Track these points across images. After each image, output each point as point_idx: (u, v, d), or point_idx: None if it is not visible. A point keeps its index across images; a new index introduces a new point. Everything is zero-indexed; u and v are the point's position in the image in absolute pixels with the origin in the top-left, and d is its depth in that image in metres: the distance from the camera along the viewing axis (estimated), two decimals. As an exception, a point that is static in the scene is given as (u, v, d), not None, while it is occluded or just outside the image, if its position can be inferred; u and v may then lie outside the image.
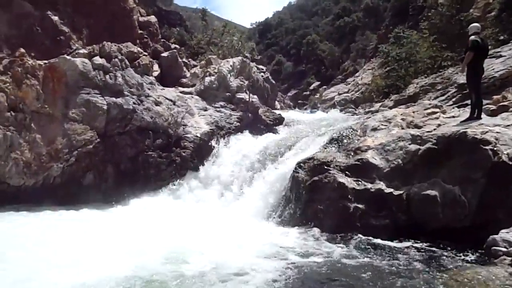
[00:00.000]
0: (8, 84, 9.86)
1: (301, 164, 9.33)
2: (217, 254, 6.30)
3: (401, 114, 9.84)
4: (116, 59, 11.59)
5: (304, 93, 35.34)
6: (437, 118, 9.38)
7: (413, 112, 9.93)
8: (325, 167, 8.87)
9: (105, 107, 10.75)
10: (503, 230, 6.22)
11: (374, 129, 9.60)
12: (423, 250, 6.85)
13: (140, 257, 6.04)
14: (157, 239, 7.05)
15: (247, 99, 14.07)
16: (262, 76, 18.10)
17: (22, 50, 10.44)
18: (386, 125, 9.56)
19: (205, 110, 13.21)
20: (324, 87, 29.17)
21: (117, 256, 6.10)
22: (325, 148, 9.80)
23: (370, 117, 10.62)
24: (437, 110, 9.88)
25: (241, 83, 14.57)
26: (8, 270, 5.53)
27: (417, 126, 9.12)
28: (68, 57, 10.84)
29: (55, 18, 12.94)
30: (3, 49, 10.23)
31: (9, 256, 6.10)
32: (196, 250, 6.49)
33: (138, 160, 11.04)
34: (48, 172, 9.90)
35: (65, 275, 5.38)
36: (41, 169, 9.82)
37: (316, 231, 8.03)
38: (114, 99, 10.97)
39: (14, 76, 9.98)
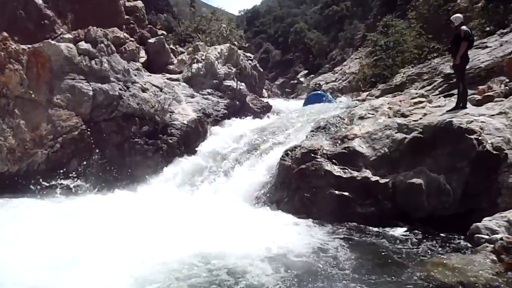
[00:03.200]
0: (-10, 68, 9.63)
1: (288, 152, 9.35)
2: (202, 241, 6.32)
3: (388, 103, 9.90)
4: (102, 45, 11.40)
5: (292, 81, 35.31)
6: (423, 107, 9.47)
7: (400, 101, 9.99)
8: (312, 155, 8.91)
9: (90, 93, 10.58)
10: (486, 218, 6.34)
11: (361, 118, 9.65)
12: (408, 238, 6.95)
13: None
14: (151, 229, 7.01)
15: (235, 87, 14.02)
16: (250, 64, 18.00)
17: (5, 34, 10.17)
18: (373, 114, 9.62)
19: (192, 97, 13.13)
20: (312, 75, 29.18)
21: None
22: (312, 136, 9.82)
23: (357, 106, 10.66)
24: (424, 99, 9.97)
25: (229, 70, 14.49)
26: None
27: (403, 115, 9.19)
28: (52, 42, 10.64)
29: (39, 1, 12.62)
30: (-15, 33, 9.97)
31: None
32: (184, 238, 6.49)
33: (124, 147, 10.94)
34: (32, 159, 9.74)
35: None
36: (25, 155, 9.66)
37: (303, 218, 8.09)
38: (99, 85, 10.81)
39: (-3, 61, 9.76)
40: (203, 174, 10.86)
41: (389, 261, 5.86)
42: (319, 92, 16.12)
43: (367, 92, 16.85)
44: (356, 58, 25.09)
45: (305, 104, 14.43)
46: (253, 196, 9.19)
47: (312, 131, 9.97)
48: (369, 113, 9.70)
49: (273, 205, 8.78)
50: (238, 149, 11.27)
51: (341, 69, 26.17)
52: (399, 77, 14.68)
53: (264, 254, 5.99)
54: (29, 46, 10.34)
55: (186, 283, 5.15)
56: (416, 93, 10.56)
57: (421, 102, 9.76)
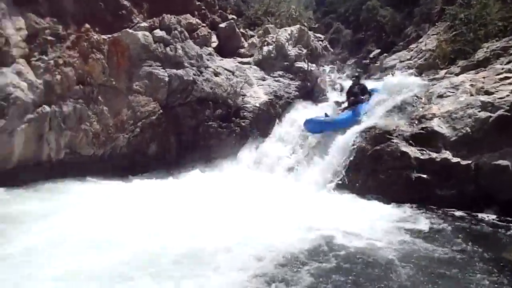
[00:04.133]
0: (75, 59, 10.23)
1: (362, 133, 9.14)
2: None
3: (470, 80, 9.30)
4: (176, 31, 11.73)
5: (364, 61, 34.25)
6: (510, 83, 8.78)
7: (483, 77, 9.33)
8: (388, 136, 8.65)
9: (166, 79, 10.99)
10: None
11: (440, 96, 9.18)
12: (491, 222, 6.58)
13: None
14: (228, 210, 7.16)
15: (306, 68, 13.84)
16: (320, 44, 17.66)
17: (87, 25, 10.76)
18: (453, 92, 9.11)
19: (264, 80, 13.16)
20: (385, 54, 28.03)
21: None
22: (387, 117, 9.51)
23: (435, 84, 10.11)
24: (510, 75, 9.23)
25: (299, 51, 14.31)
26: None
27: (487, 93, 8.58)
28: (130, 31, 11.09)
29: (117, -7, 13.18)
30: (70, 26, 10.59)
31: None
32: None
33: (198, 130, 11.27)
34: (115, 143, 10.36)
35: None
36: (108, 139, 10.28)
37: (378, 201, 7.91)
38: (174, 70, 11.18)
39: (81, 51, 10.34)
40: (276, 157, 10.88)
41: (467, 249, 5.54)
42: (322, 120, 10.54)
43: (446, 70, 15.90)
44: (433, 34, 23.70)
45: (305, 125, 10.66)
46: (327, 180, 9.08)
47: (387, 111, 9.64)
48: (449, 91, 9.20)
49: (348, 188, 8.63)
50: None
51: (416, 47, 24.89)
52: (482, 52, 13.65)
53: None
54: (109, 36, 10.86)
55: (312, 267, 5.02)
56: (502, 69, 9.79)
57: (507, 78, 9.04)
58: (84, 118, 9.97)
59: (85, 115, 10.00)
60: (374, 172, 8.52)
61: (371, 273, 4.81)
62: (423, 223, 6.58)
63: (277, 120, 12.11)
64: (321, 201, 8.09)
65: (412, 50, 18.42)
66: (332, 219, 6.71)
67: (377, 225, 6.45)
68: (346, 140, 9.43)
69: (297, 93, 13.09)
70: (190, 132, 11.19)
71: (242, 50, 14.76)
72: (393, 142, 8.49)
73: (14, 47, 9.65)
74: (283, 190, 8.84)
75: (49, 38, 10.08)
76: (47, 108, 9.54)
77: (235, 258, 5.07)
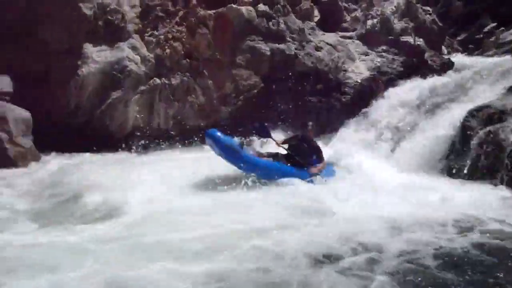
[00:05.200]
0: (183, 34, 10.72)
1: (474, 113, 8.48)
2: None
3: None
4: (279, 5, 11.75)
5: (476, 36, 31.54)
6: None
7: None
8: (503, 117, 7.96)
9: (268, 53, 11.11)
10: None
11: None
12: None
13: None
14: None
15: (412, 43, 13.13)
16: (429, 18, 16.54)
17: (195, 1, 11.18)
18: None
19: (366, 55, 12.74)
20: (502, 28, 25.57)
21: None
22: (505, 96, 8.72)
23: None
24: None
25: (406, 25, 13.59)
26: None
27: None
28: (234, 6, 11.31)
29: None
30: (179, 2, 11.08)
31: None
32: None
33: (298, 105, 11.27)
34: (218, 115, 10.77)
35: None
36: (212, 112, 10.74)
37: (490, 187, 7.30)
38: (276, 45, 11.26)
39: (188, 26, 10.80)
40: (377, 136, 10.50)
41: None
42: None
43: None
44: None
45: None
46: (430, 163, 8.54)
47: (508, 89, 8.82)
48: None
49: (453, 173, 8.04)
50: (414, 109, 10.61)
51: (540, 19, 22.41)
52: None
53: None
54: (214, 11, 11.18)
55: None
56: None
57: None
58: (190, 90, 10.49)
59: (192, 88, 10.51)
60: (486, 155, 7.88)
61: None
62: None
63: (378, 96, 11.65)
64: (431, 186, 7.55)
65: (536, 22, 16.47)
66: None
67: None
68: (452, 121, 8.80)
69: (401, 69, 12.48)
70: (290, 106, 11.20)
71: (344, 24, 14.40)
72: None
73: (129, 23, 10.38)
74: (385, 171, 8.41)
75: (160, 14, 10.68)
76: (157, 81, 10.18)
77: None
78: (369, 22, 13.42)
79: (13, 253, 4.29)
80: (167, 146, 9.82)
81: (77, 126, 9.70)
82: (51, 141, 8.95)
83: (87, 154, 9.18)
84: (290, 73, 11.26)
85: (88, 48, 9.86)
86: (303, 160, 7.18)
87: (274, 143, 7.50)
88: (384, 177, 7.60)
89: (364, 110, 11.27)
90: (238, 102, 10.88)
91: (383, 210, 5.74)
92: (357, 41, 13.11)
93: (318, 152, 7.38)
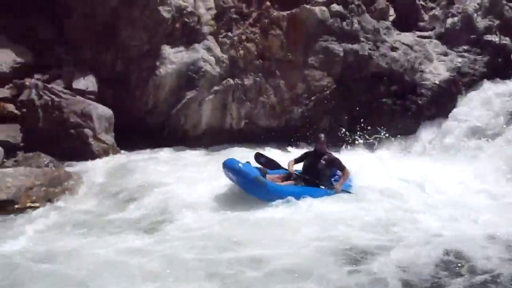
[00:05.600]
0: (257, 35, 10.84)
1: None
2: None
3: None
4: (353, 5, 11.49)
5: None
6: None
7: None
8: None
9: (341, 53, 10.91)
10: None
11: None
12: None
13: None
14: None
15: (497, 42, 12.30)
16: (516, 15, 15.46)
17: (268, 3, 11.24)
18: None
19: (445, 55, 12.09)
20: None
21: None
22: None
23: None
24: None
25: (490, 23, 12.74)
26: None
27: None
28: (307, 6, 11.20)
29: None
30: (252, 4, 11.21)
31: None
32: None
33: (371, 107, 10.96)
34: (289, 115, 10.77)
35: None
36: (283, 112, 10.76)
37: None
38: (350, 45, 11.02)
39: (262, 27, 10.90)
40: (456, 142, 9.93)
41: None
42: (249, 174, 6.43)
43: None
44: None
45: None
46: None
47: None
48: None
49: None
50: (499, 113, 9.96)
51: None
52: None
53: None
54: (287, 12, 11.16)
55: None
56: None
57: None
58: (262, 90, 10.59)
59: (264, 88, 10.60)
60: None
61: None
62: None
63: (459, 99, 11.04)
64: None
65: None
66: None
67: None
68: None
69: (484, 70, 11.73)
70: (362, 108, 10.93)
71: (421, 24, 13.77)
72: None
73: (204, 25, 10.67)
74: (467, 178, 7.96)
75: (234, 16, 10.88)
76: (230, 81, 10.39)
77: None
78: (449, 20, 12.73)
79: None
80: (238, 145, 9.94)
81: (154, 125, 10.12)
82: (130, 138, 9.41)
83: (163, 152, 9.53)
84: (363, 74, 10.98)
85: (166, 49, 10.24)
86: (323, 179, 6.70)
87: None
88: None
89: (442, 112, 10.77)
90: (310, 103, 10.78)
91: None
92: (436, 41, 12.49)
93: (337, 163, 6.81)
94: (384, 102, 11.00)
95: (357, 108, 10.87)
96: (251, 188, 6.10)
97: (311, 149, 7.27)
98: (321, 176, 6.67)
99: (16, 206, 5.76)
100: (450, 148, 9.81)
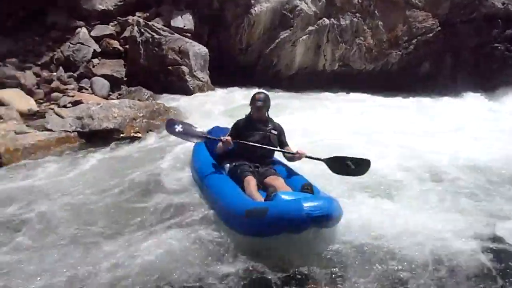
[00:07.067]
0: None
1: None
2: None
3: None
4: None
5: None
6: None
7: None
8: None
9: (450, -8, 9.99)
10: None
11: None
12: None
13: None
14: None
15: None
16: None
17: None
18: None
19: None
20: None
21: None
22: None
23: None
24: None
25: None
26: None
27: None
28: None
29: None
30: None
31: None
32: None
33: (480, 51, 10.04)
34: (386, 59, 10.23)
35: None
36: (380, 55, 10.23)
37: None
38: (462, -18, 10.03)
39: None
40: None
41: None
42: None
43: None
44: None
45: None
46: None
47: None
48: None
49: None
50: None
51: None
52: None
53: None
54: None
55: None
56: None
57: None
58: (359, 32, 10.11)
59: (361, 29, 10.11)
60: None
61: None
62: None
63: None
64: None
65: None
66: None
67: None
68: None
69: None
70: (469, 53, 10.05)
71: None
72: None
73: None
74: None
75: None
76: (326, 21, 10.00)
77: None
78: None
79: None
80: (329, 89, 9.65)
81: (248, 63, 10.13)
82: (223, 76, 9.51)
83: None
84: (474, 16, 10.01)
85: (262, -14, 10.02)
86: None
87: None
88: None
89: None
90: (410, 46, 10.11)
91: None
92: None
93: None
94: (496, 47, 10.00)
95: (465, 53, 10.01)
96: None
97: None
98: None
99: (121, 135, 6.20)
100: None
